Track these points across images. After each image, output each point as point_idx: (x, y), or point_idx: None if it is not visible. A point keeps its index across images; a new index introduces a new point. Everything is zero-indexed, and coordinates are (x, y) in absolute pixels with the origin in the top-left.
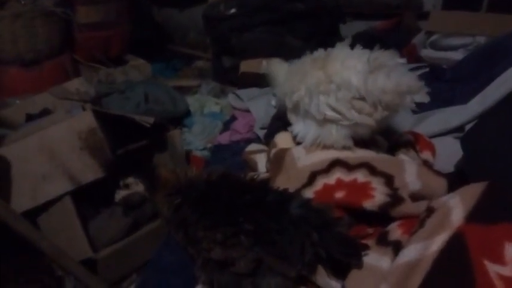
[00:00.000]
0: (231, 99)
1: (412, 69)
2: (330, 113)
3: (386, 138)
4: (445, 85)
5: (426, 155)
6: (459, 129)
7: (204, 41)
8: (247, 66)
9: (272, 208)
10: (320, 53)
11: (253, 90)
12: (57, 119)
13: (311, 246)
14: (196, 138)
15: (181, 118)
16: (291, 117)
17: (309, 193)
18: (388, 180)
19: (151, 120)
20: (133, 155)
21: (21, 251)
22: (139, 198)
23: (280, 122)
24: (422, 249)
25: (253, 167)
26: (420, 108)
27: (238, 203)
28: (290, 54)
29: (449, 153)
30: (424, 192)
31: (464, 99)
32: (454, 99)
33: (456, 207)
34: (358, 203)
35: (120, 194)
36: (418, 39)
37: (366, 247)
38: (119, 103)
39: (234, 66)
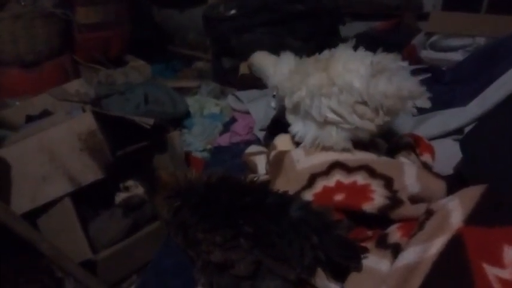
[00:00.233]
0: (230, 100)
1: (412, 71)
2: (331, 116)
3: (386, 141)
4: (445, 87)
5: (425, 157)
6: (458, 131)
7: (204, 42)
8: (247, 67)
9: (272, 210)
10: (323, 53)
11: (253, 92)
12: (57, 120)
13: (311, 249)
14: (196, 140)
15: (181, 119)
16: (290, 117)
17: (308, 195)
18: (388, 182)
19: (151, 121)
20: (133, 156)
21: (21, 251)
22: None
23: (279, 124)
24: (422, 251)
25: (253, 169)
26: (420, 110)
27: (237, 205)
28: None
29: (448, 155)
30: (424, 195)
31: (463, 101)
32: (454, 101)
33: (455, 210)
34: (357, 205)
35: (120, 197)
36: (417, 40)
37: (365, 250)
38: (119, 104)
39: (234, 67)
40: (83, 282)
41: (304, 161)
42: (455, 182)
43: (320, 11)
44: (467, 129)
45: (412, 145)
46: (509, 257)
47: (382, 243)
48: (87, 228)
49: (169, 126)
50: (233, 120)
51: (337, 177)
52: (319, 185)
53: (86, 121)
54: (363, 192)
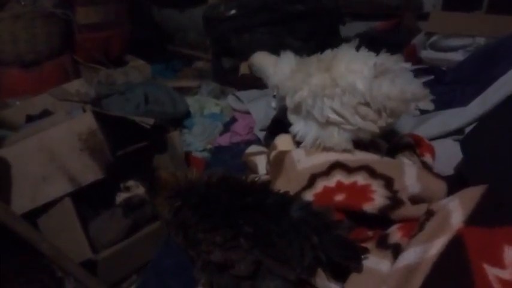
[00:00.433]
0: (230, 100)
1: (414, 71)
2: (333, 116)
3: (387, 141)
4: (445, 87)
5: (426, 157)
6: (459, 131)
7: (204, 42)
8: (247, 67)
9: (272, 211)
10: (325, 53)
11: (253, 92)
12: (57, 120)
13: (311, 249)
14: (196, 140)
15: (181, 119)
16: (291, 116)
17: (309, 196)
18: (388, 182)
19: (151, 121)
20: (133, 157)
21: (22, 251)
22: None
23: (280, 124)
24: (422, 252)
25: (254, 169)
26: (420, 110)
27: (238, 205)
28: None
29: (449, 155)
30: (424, 195)
31: (464, 101)
32: (454, 101)
33: (455, 211)
34: (358, 206)
35: (120, 197)
36: (418, 40)
37: (366, 250)
38: (119, 104)
39: (234, 67)
40: (83, 282)
41: (304, 161)
42: (455, 183)
43: (320, 11)
44: (467, 130)
45: (412, 145)
46: (510, 258)
47: (383, 243)
48: (87, 228)
49: (170, 126)
50: (233, 120)
51: (338, 177)
52: (320, 185)
53: (86, 121)
54: (364, 192)
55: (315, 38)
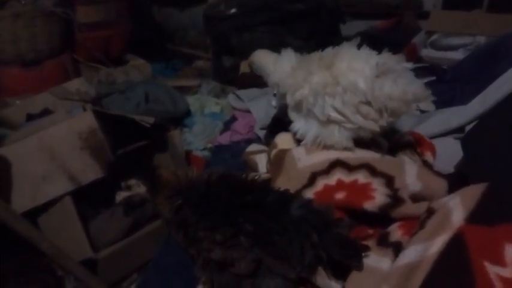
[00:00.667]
0: (231, 99)
1: (414, 70)
2: (334, 115)
3: (387, 139)
4: (446, 85)
5: (427, 155)
6: (459, 129)
7: (204, 41)
8: (247, 66)
9: (272, 209)
10: (327, 51)
11: (253, 91)
12: (58, 119)
13: (311, 248)
14: (197, 138)
15: (181, 118)
16: (292, 114)
17: (309, 194)
18: (389, 181)
19: (151, 120)
20: (134, 155)
21: (22, 250)
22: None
23: (280, 122)
24: (423, 250)
25: (254, 168)
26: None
27: (238, 203)
28: None
29: (449, 154)
30: (425, 193)
31: (464, 99)
32: (455, 99)
33: (456, 209)
34: (358, 204)
35: (121, 196)
36: (418, 39)
37: (366, 248)
38: (119, 103)
39: (235, 66)
40: (84, 281)
41: (305, 160)
42: (456, 181)
43: (320, 10)
44: (468, 128)
45: (413, 143)
46: (511, 256)
47: (383, 241)
48: (88, 227)
49: (170, 125)
50: (234, 119)
51: (338, 175)
52: (320, 184)
53: (87, 120)
54: (364, 190)
55: (315, 37)
